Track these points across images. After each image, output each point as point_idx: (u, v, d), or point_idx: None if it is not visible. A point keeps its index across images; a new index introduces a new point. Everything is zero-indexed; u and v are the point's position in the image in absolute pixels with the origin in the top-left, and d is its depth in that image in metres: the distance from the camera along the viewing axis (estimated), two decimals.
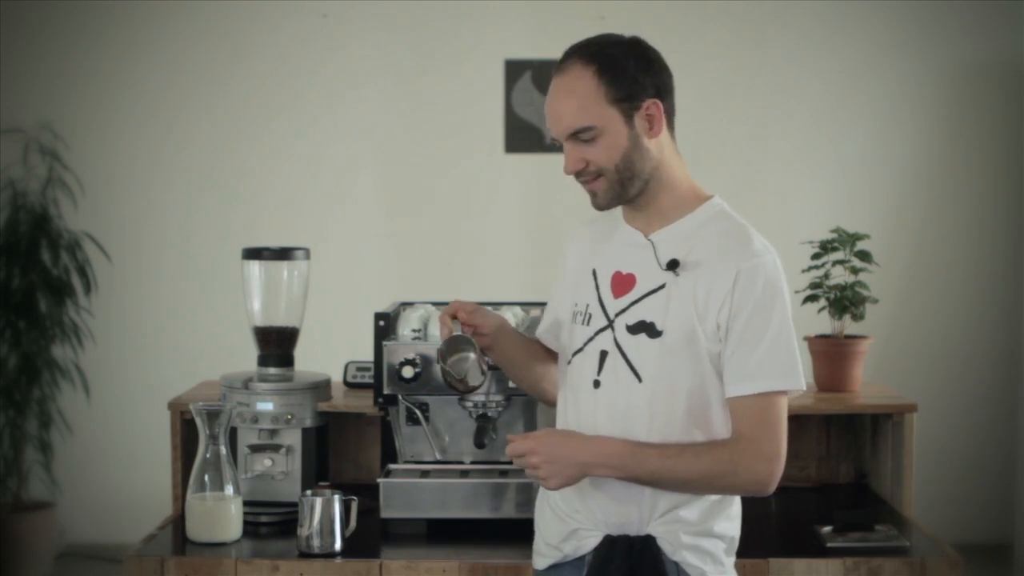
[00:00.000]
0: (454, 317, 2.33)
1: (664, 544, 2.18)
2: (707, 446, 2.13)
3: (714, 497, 2.19)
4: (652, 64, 2.17)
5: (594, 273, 2.27)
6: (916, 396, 3.14)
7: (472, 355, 2.29)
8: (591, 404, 2.21)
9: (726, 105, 5.57)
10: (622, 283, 2.22)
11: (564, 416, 2.28)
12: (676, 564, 2.18)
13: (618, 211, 2.29)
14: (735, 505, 2.24)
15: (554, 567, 2.28)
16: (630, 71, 2.14)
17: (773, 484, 2.14)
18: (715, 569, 2.20)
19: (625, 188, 2.18)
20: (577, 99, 2.14)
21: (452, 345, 2.30)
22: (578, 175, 2.19)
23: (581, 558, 2.24)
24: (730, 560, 2.24)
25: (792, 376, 2.13)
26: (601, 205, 2.21)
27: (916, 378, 5.31)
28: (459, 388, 2.33)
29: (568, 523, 2.25)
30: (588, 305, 2.25)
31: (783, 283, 2.16)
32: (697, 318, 2.14)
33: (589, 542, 2.22)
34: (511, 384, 2.77)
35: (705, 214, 2.21)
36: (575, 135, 2.15)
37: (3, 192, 5.43)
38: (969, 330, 5.60)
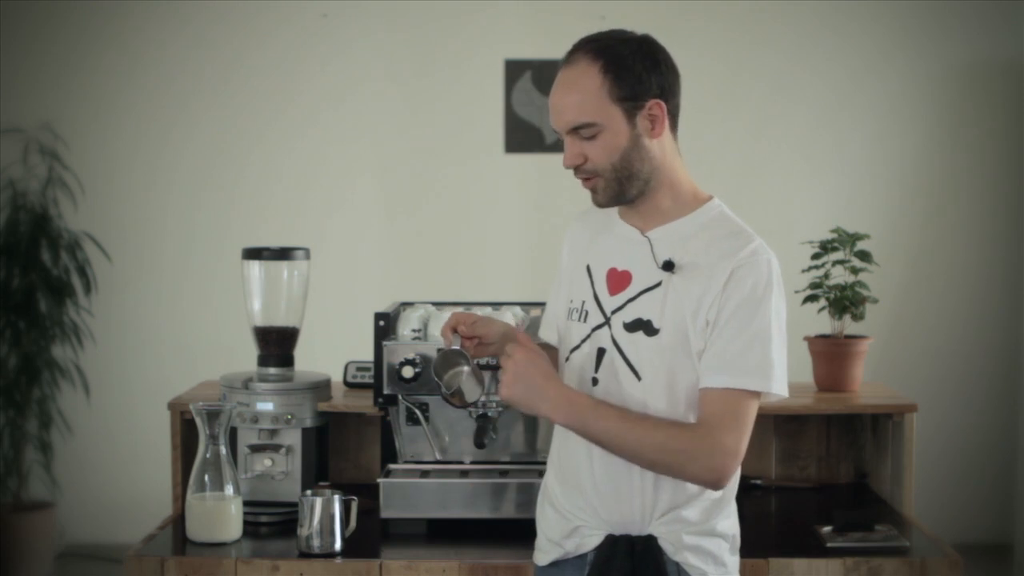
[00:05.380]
0: (455, 330, 2.33)
1: (665, 544, 2.18)
2: (669, 421, 2.12)
3: (714, 495, 2.18)
4: (659, 64, 2.16)
5: (588, 269, 2.26)
6: (916, 396, 3.14)
7: (466, 368, 2.27)
8: None
9: (726, 105, 5.57)
10: (618, 280, 2.21)
11: None
12: (677, 564, 2.17)
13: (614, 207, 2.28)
14: (733, 502, 2.24)
15: (555, 564, 2.28)
16: (636, 70, 2.13)
17: (725, 478, 2.11)
18: (717, 570, 2.19)
19: (624, 188, 2.17)
20: (580, 94, 2.13)
21: (445, 360, 2.29)
22: (576, 171, 2.18)
23: (583, 556, 2.23)
24: (734, 560, 2.23)
25: (764, 378, 2.10)
26: (601, 203, 2.20)
27: (916, 378, 5.32)
28: (455, 403, 2.33)
29: (570, 520, 2.25)
30: (584, 302, 2.24)
31: (775, 286, 2.13)
32: (690, 317, 2.13)
33: (591, 540, 2.22)
34: None
35: (704, 216, 2.20)
36: (575, 130, 2.15)
37: (3, 192, 5.44)
38: (969, 330, 5.61)
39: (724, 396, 2.10)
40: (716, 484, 2.12)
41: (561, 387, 2.14)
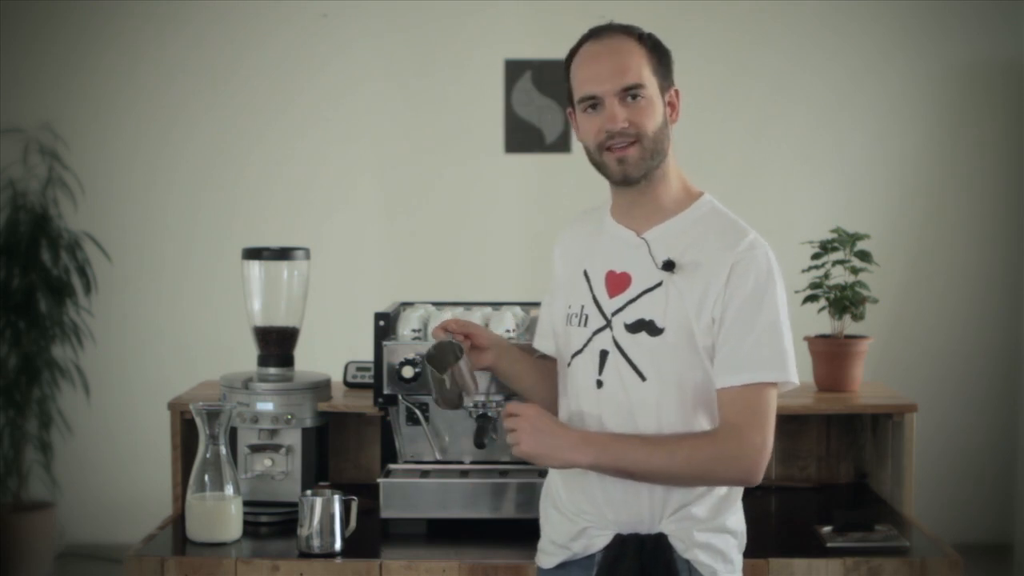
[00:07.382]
0: (446, 330, 2.35)
1: (676, 542, 2.18)
2: (691, 434, 2.13)
3: (721, 491, 2.19)
4: (671, 58, 2.24)
5: (586, 274, 2.27)
6: (916, 396, 3.14)
7: (460, 364, 2.27)
8: (595, 405, 2.20)
9: (726, 105, 5.57)
10: (617, 282, 2.22)
11: (568, 419, 2.27)
12: (688, 562, 2.18)
13: (604, 210, 2.29)
14: (740, 499, 2.24)
15: (562, 566, 2.28)
16: (664, 54, 2.22)
17: (758, 474, 2.13)
18: (725, 568, 2.20)
19: (653, 160, 2.19)
20: (633, 58, 2.18)
21: (439, 351, 2.28)
22: (617, 136, 2.17)
23: (591, 556, 2.23)
24: (740, 558, 2.24)
25: (781, 368, 2.12)
26: (630, 173, 2.19)
27: (916, 378, 5.31)
28: (443, 406, 2.32)
29: (577, 522, 2.25)
30: (583, 306, 2.25)
31: (776, 277, 2.16)
32: (693, 314, 2.14)
33: (599, 541, 2.22)
34: None
35: (698, 212, 2.22)
36: (628, 90, 2.17)
37: (3, 192, 5.44)
38: (969, 330, 5.61)
39: (743, 393, 2.11)
40: (750, 482, 2.14)
41: (577, 431, 2.16)
